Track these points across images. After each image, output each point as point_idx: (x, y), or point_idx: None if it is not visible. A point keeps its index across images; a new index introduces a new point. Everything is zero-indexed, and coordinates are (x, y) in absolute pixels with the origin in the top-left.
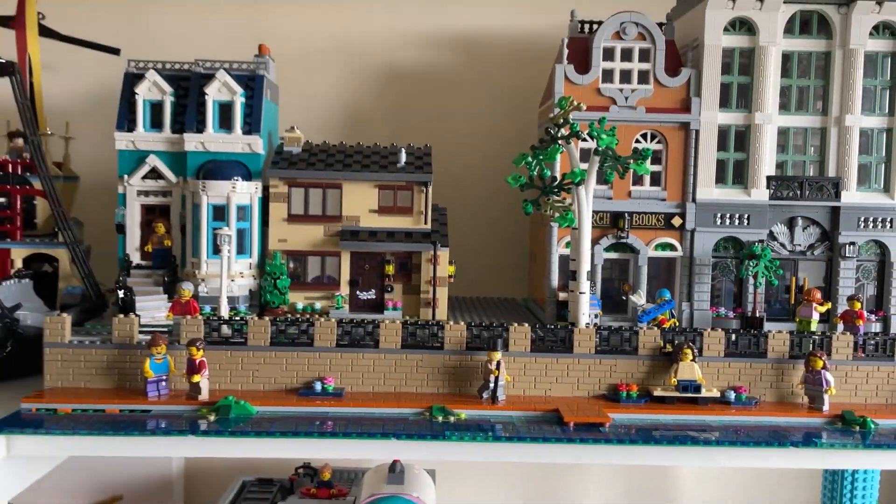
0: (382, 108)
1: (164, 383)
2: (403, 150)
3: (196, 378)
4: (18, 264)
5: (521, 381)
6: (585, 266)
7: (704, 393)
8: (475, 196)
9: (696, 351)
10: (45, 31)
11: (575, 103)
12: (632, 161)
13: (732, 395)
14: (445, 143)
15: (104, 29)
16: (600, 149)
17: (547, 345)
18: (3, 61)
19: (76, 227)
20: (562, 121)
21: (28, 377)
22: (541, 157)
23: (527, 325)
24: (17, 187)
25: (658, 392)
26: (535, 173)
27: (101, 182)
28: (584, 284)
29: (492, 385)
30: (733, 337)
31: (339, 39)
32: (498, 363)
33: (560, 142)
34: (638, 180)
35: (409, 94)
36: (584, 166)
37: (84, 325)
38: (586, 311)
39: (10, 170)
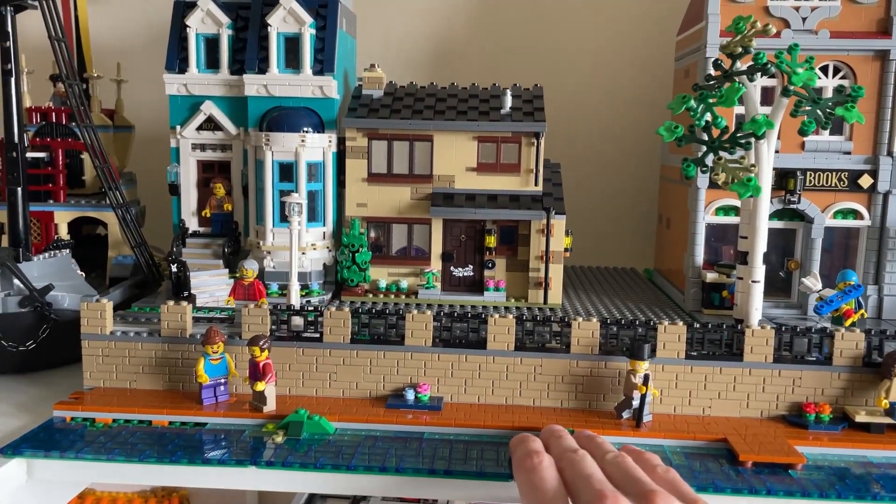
0: (479, 39)
1: (222, 387)
2: (509, 93)
3: (260, 386)
4: (63, 230)
5: (672, 396)
6: (761, 246)
7: None
8: (591, 146)
9: None
10: None
11: (759, 25)
12: (839, 105)
13: None
14: (556, 82)
15: None
16: (792, 88)
17: (707, 349)
18: None
19: (129, 184)
20: (740, 49)
21: (68, 365)
22: (710, 101)
23: (681, 323)
24: (59, 140)
25: (861, 417)
26: (704, 123)
27: (160, 131)
28: (759, 271)
29: (635, 403)
30: None
31: None
32: (645, 377)
33: (738, 79)
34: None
35: (511, 23)
36: (765, 110)
37: (132, 308)
38: (759, 305)
39: (54, 119)
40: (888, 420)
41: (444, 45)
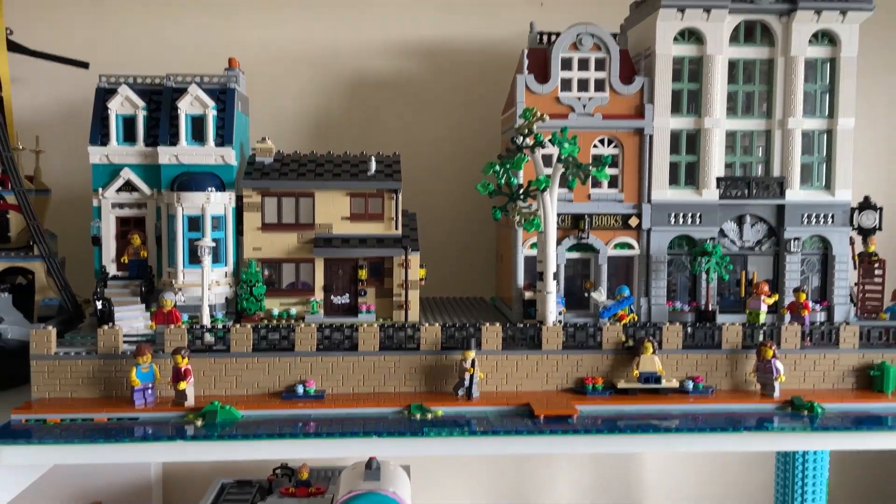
0: (352, 117)
1: (150, 391)
2: (373, 159)
3: (182, 385)
4: None
5: (494, 378)
6: (551, 267)
7: (665, 384)
8: (444, 201)
9: (656, 344)
10: (13, 47)
11: (538, 114)
12: (592, 168)
13: (690, 385)
14: (414, 150)
15: (73, 42)
16: (563, 157)
17: (517, 342)
18: None
19: (50, 239)
20: (526, 131)
21: (12, 389)
22: (507, 166)
23: (498, 324)
24: None
25: (622, 384)
26: (503, 181)
27: (72, 194)
28: (551, 284)
29: (467, 383)
30: (690, 330)
31: (306, 48)
32: (473, 361)
33: (525, 151)
34: (597, 183)
35: (378, 103)
36: (547, 172)
37: (64, 337)
38: (553, 309)
39: None
40: (639, 385)
41: (322, 121)
